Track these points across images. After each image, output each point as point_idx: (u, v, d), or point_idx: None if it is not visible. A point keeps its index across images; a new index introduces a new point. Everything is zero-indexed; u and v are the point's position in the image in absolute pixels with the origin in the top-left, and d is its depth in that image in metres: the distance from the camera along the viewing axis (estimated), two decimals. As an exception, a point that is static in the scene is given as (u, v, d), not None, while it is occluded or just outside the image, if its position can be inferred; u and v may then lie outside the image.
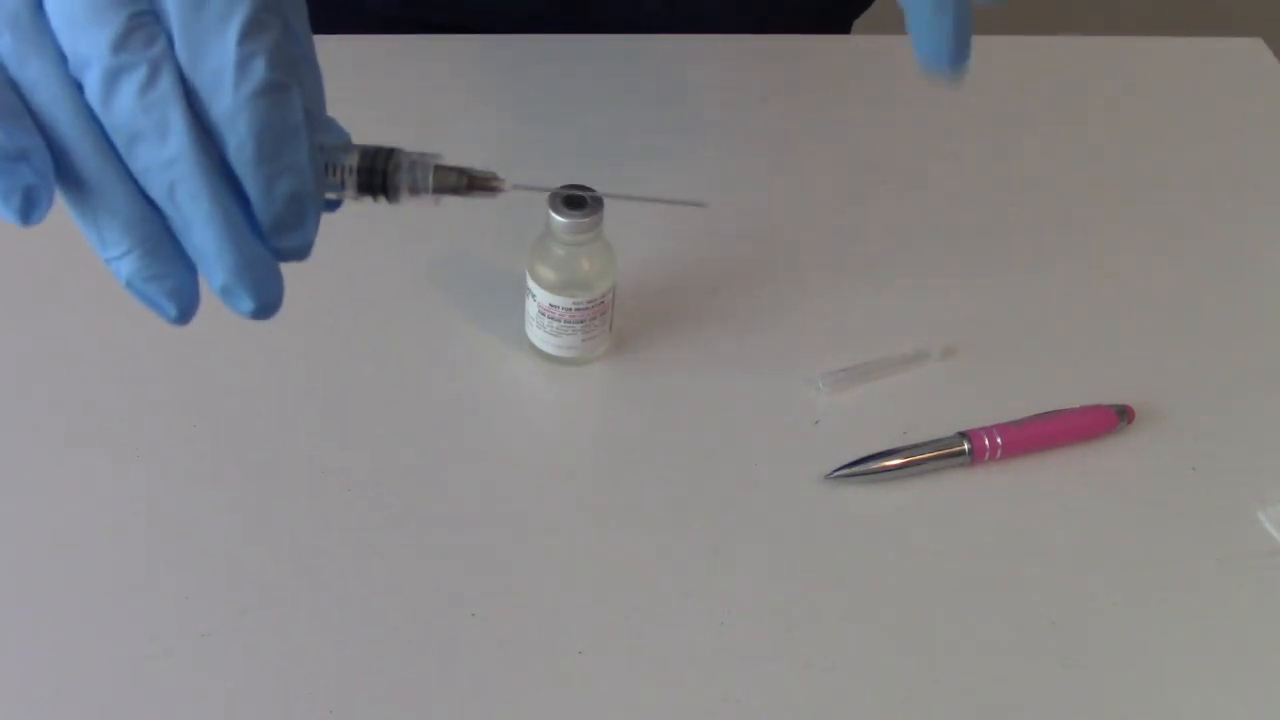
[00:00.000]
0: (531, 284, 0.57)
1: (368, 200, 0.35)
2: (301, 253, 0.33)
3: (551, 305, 0.56)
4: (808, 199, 0.69)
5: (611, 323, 0.59)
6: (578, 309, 0.56)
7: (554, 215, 0.54)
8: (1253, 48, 0.82)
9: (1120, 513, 0.56)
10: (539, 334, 0.58)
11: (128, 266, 0.31)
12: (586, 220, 0.53)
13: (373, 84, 0.72)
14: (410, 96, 0.72)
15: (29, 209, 0.30)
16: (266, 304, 0.32)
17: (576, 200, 0.54)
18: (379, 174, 0.34)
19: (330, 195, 0.34)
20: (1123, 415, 0.58)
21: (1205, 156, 0.74)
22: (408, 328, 0.61)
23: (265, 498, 0.54)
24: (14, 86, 0.30)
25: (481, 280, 0.63)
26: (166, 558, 0.51)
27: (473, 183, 0.35)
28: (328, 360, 0.59)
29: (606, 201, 0.54)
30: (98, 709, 0.47)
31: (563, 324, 0.57)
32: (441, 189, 0.35)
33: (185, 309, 0.32)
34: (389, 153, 0.34)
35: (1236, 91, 0.79)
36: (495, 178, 0.35)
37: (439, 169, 0.35)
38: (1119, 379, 0.61)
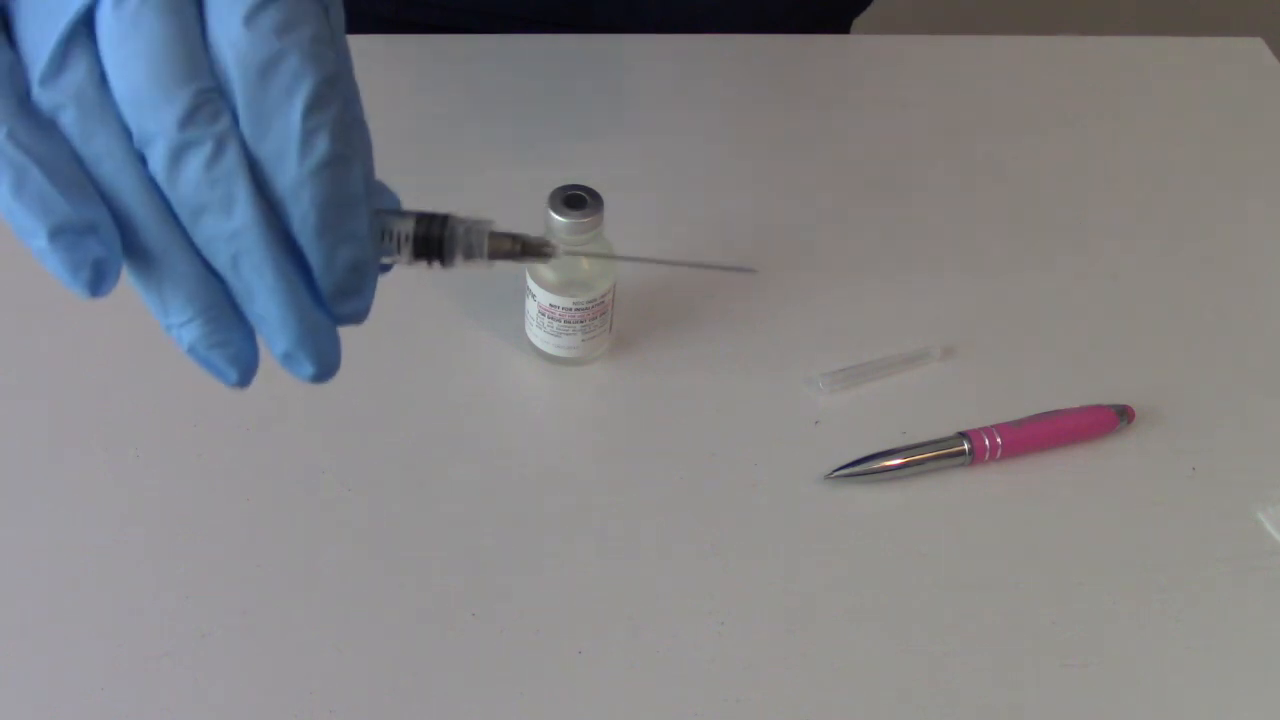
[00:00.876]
0: (531, 284, 0.57)
1: (421, 265, 0.35)
2: (359, 317, 0.33)
3: (551, 305, 0.56)
4: (807, 199, 0.69)
5: (611, 323, 0.59)
6: (578, 309, 0.56)
7: (554, 215, 0.54)
8: (1253, 48, 0.82)
9: (1120, 513, 0.56)
10: (539, 334, 0.58)
11: (190, 334, 0.31)
12: (586, 220, 0.53)
13: (372, 84, 0.72)
14: (410, 96, 0.72)
15: (98, 282, 0.30)
16: (327, 369, 0.33)
17: (576, 200, 0.54)
18: (435, 241, 0.34)
19: (385, 260, 0.35)
20: (1123, 415, 0.58)
21: (1205, 156, 0.74)
22: (408, 328, 0.61)
23: (265, 498, 0.54)
24: (79, 160, 0.30)
25: (481, 280, 0.63)
26: (166, 558, 0.51)
27: (526, 249, 0.36)
28: (328, 360, 0.59)
29: (609, 206, 0.54)
30: (98, 709, 0.47)
31: (563, 324, 0.57)
32: (496, 254, 0.35)
33: (246, 373, 0.33)
34: (443, 220, 0.35)
35: (1236, 91, 0.79)
36: (547, 244, 0.36)
37: (493, 235, 0.35)
38: (1119, 379, 0.61)
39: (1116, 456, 0.58)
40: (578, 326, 0.57)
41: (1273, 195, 0.72)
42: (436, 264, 0.35)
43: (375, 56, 0.74)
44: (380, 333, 0.60)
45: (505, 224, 0.37)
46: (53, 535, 0.52)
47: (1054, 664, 0.50)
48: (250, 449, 0.55)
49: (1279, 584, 0.54)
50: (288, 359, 0.32)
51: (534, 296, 0.57)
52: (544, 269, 0.56)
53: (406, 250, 0.35)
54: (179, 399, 0.57)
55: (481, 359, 0.60)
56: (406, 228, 0.34)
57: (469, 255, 0.35)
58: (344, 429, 0.56)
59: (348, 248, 0.31)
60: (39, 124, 0.30)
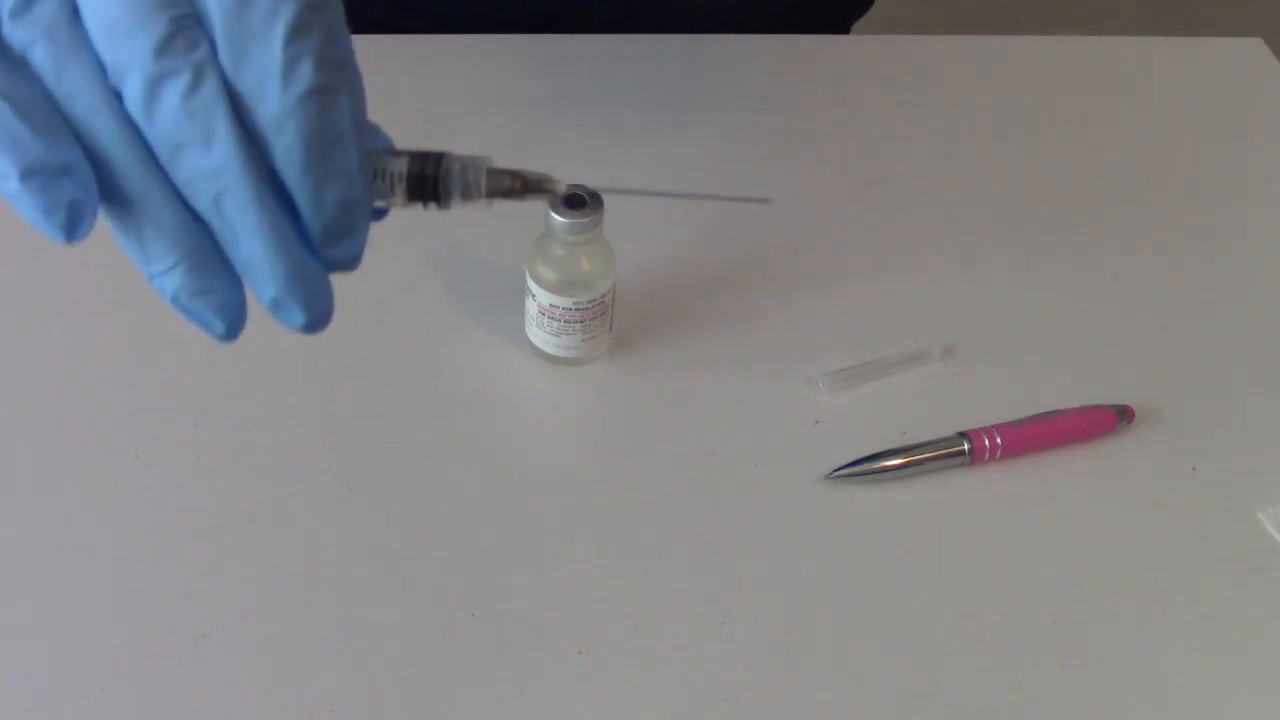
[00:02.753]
0: (531, 284, 0.57)
1: (418, 208, 0.33)
2: (351, 263, 0.32)
3: (551, 305, 0.56)
4: (808, 199, 0.69)
5: (611, 323, 0.59)
6: (578, 309, 0.56)
7: (554, 215, 0.54)
8: (1253, 48, 0.82)
9: (1120, 513, 0.56)
10: (539, 334, 0.58)
11: (173, 282, 0.30)
12: (586, 220, 0.53)
13: (372, 84, 0.72)
14: (410, 96, 0.72)
15: (74, 225, 0.28)
16: (318, 317, 0.31)
17: (576, 200, 0.54)
18: (430, 180, 0.33)
19: (379, 203, 0.33)
20: (1123, 415, 0.58)
21: (1205, 156, 0.74)
22: (408, 328, 0.61)
23: (265, 497, 0.54)
24: (52, 99, 0.29)
25: (481, 280, 0.63)
26: (166, 558, 0.51)
27: (526, 185, 0.34)
28: (328, 360, 0.59)
29: (609, 206, 0.54)
30: (98, 709, 0.47)
31: (563, 324, 0.57)
32: (494, 193, 0.34)
33: (233, 324, 0.31)
34: (438, 157, 0.33)
35: (1236, 91, 0.79)
36: (549, 179, 0.34)
37: (491, 172, 0.34)
38: (1119, 379, 0.61)
39: (1116, 456, 0.58)
40: (578, 326, 0.57)
41: (1272, 195, 0.72)
42: (433, 206, 0.33)
43: (374, 57, 0.73)
44: (380, 332, 0.60)
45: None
46: (53, 535, 0.52)
47: (1054, 664, 0.50)
48: (250, 449, 0.55)
49: (1279, 584, 0.54)
50: (276, 305, 0.30)
51: (534, 296, 0.57)
52: (544, 268, 0.56)
53: (401, 191, 0.33)
54: (179, 399, 0.57)
55: (481, 359, 0.60)
56: (400, 167, 0.33)
57: (466, 195, 0.33)
58: (344, 429, 0.56)
59: (336, 184, 0.30)
60: (9, 62, 0.28)
